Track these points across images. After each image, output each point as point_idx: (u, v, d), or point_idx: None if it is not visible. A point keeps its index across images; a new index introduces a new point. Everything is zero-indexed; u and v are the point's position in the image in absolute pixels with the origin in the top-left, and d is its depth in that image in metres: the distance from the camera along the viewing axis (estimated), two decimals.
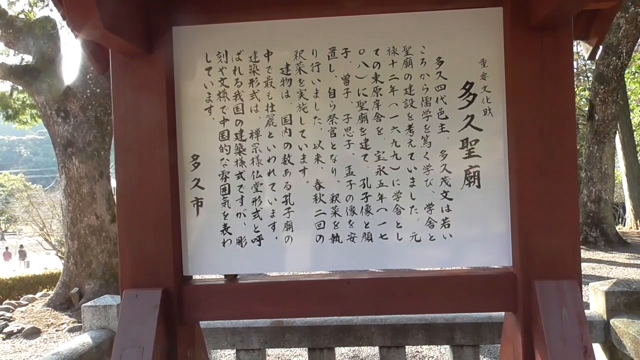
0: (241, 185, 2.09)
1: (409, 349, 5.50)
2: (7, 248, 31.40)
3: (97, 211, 9.19)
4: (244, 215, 2.10)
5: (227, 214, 2.10)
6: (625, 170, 17.58)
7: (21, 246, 28.33)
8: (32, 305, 9.24)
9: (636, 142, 18.80)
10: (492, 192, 2.04)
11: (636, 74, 19.15)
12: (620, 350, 2.63)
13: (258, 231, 2.10)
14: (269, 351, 5.34)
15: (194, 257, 2.12)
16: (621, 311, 2.76)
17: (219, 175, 2.10)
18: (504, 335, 2.28)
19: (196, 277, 2.21)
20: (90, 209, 9.16)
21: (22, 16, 11.05)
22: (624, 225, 18.34)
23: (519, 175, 1.97)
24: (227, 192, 2.10)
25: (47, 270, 14.35)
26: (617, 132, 15.72)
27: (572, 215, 1.97)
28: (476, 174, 2.04)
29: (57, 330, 7.76)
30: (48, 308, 8.85)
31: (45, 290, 11.02)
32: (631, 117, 18.71)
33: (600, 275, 8.89)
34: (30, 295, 10.21)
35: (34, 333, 7.67)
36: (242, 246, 2.10)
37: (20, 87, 11.17)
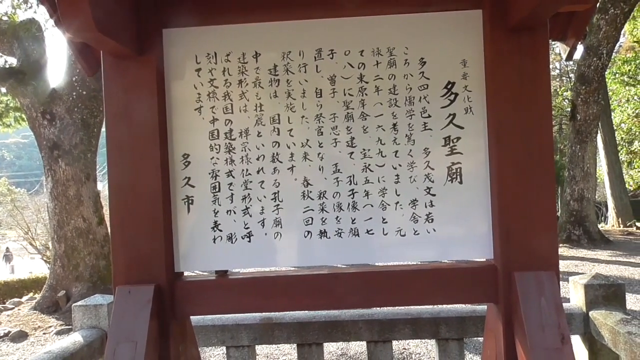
0: (231, 183, 2.15)
1: (396, 347, 5.58)
2: None
3: (84, 214, 9.16)
4: (234, 213, 2.15)
5: (218, 212, 2.15)
6: (607, 169, 17.88)
7: (7, 249, 27.96)
8: (19, 309, 9.18)
9: (617, 142, 19.13)
10: (474, 188, 2.12)
11: (617, 75, 19.49)
12: (599, 341, 2.72)
13: (248, 228, 2.15)
14: (259, 351, 5.39)
15: (185, 254, 2.17)
16: (600, 303, 2.85)
17: (209, 173, 2.16)
18: (487, 326, 2.36)
19: (187, 273, 2.26)
20: (77, 212, 9.13)
21: (5, 18, 10.98)
22: (607, 224, 18.65)
23: (499, 172, 2.05)
24: (217, 190, 2.15)
25: (32, 274, 14.21)
26: (599, 131, 15.99)
27: (550, 209, 2.05)
28: (458, 170, 2.12)
29: (44, 334, 7.72)
30: (35, 311, 8.79)
31: (31, 294, 10.93)
32: (612, 117, 19.04)
33: (583, 272, 9.05)
34: (17, 299, 10.14)
35: (21, 336, 7.63)
36: (232, 243, 2.16)
37: (3, 90, 11.10)
